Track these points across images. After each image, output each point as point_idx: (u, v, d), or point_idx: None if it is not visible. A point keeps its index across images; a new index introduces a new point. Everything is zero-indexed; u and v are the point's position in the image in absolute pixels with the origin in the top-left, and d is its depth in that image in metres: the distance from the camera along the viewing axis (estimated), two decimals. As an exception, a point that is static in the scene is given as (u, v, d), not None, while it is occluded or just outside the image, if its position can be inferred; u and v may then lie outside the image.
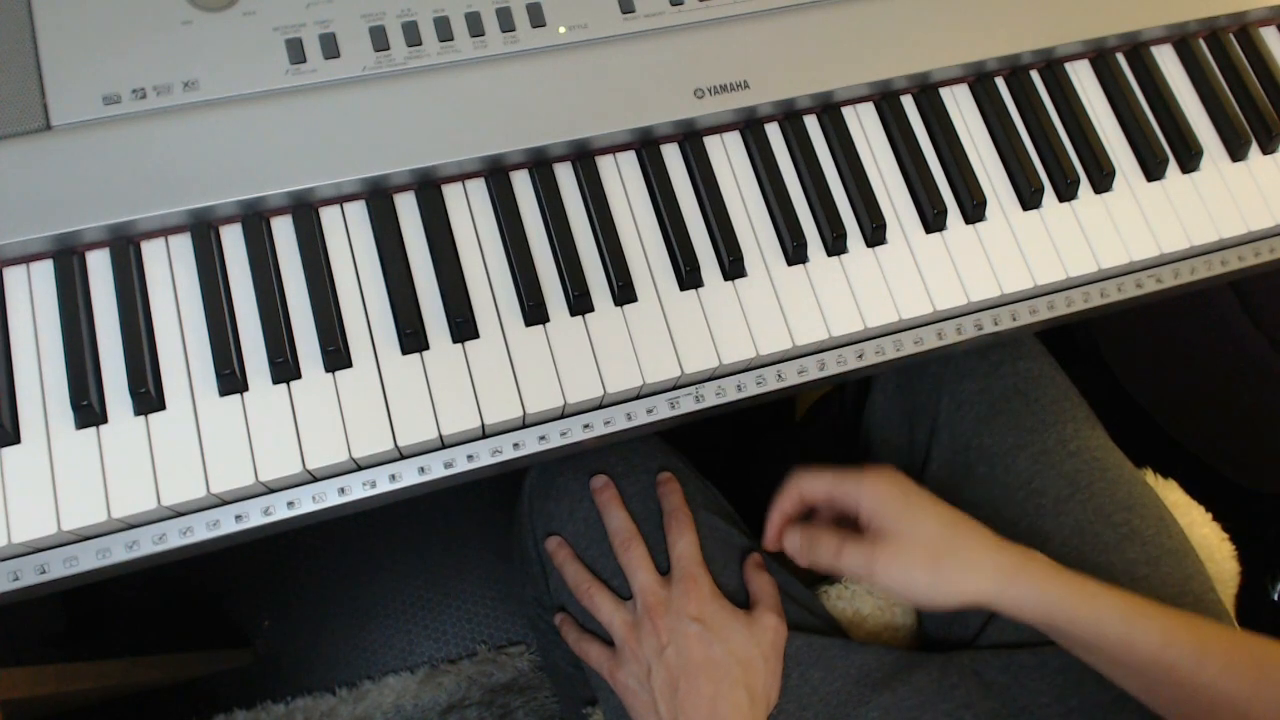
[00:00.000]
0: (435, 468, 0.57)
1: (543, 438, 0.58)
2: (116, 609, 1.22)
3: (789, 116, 0.64)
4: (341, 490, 0.56)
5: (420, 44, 0.59)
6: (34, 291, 0.54)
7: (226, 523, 0.54)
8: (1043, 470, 0.70)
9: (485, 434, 0.57)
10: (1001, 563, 0.56)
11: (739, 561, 0.68)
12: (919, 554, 0.56)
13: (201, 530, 0.54)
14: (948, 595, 0.56)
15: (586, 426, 0.58)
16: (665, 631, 0.62)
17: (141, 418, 0.52)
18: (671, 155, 0.62)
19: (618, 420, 0.59)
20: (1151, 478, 0.76)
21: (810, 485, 0.62)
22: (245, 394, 0.53)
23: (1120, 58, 0.69)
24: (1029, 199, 0.64)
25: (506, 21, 0.60)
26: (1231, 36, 0.71)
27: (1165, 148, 0.67)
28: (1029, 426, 0.72)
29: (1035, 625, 0.56)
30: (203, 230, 0.55)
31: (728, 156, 0.63)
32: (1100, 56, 0.69)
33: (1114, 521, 0.67)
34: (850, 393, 0.90)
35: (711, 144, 0.62)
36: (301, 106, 0.56)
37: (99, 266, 0.55)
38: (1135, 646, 0.53)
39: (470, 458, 0.57)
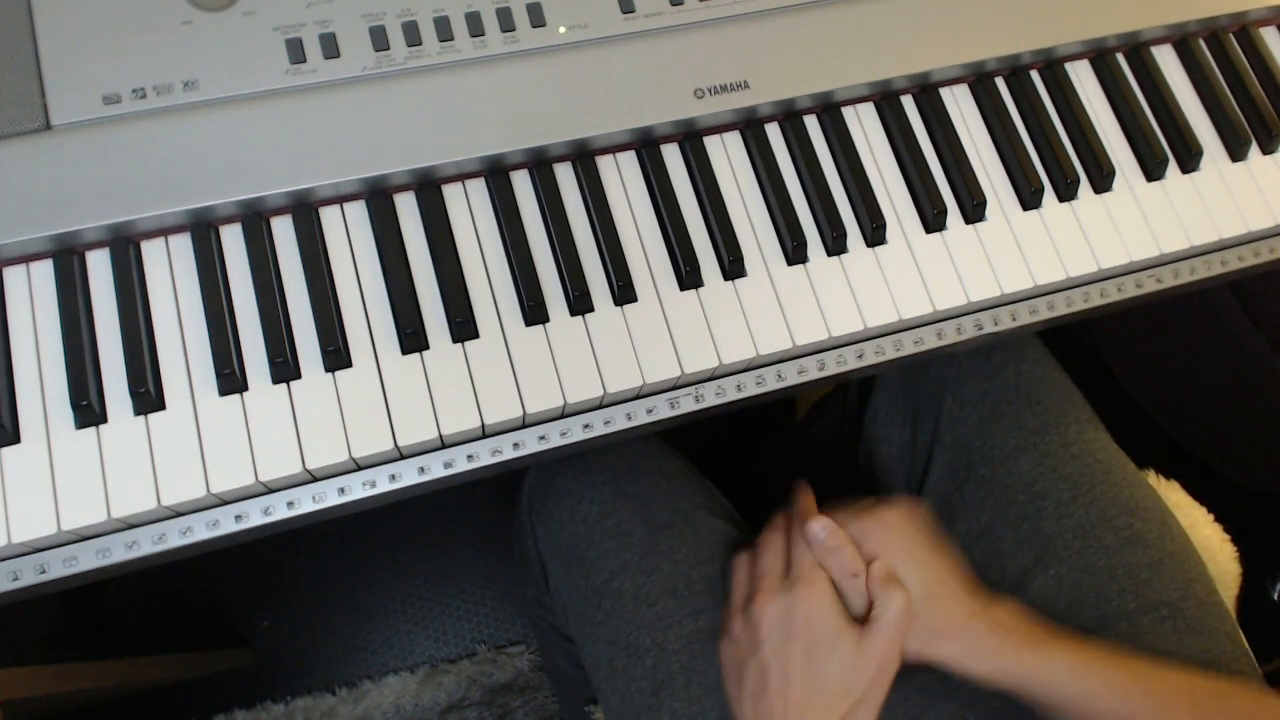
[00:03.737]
0: (435, 468, 0.57)
1: (543, 438, 0.58)
2: (116, 609, 1.22)
3: (789, 116, 0.63)
4: (341, 490, 0.56)
5: (420, 44, 0.59)
6: (34, 291, 0.54)
7: (226, 523, 0.54)
8: (1045, 473, 0.70)
9: (485, 434, 0.57)
10: (970, 632, 0.59)
11: None
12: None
13: (201, 530, 0.54)
14: (920, 655, 0.60)
15: (586, 426, 0.58)
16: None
17: (141, 418, 0.52)
18: (671, 155, 0.62)
19: (618, 420, 0.59)
20: (1154, 479, 0.76)
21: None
22: (245, 394, 0.53)
23: (1120, 58, 0.69)
24: (1029, 199, 0.64)
25: (506, 21, 0.60)
26: (1231, 36, 0.71)
27: (1165, 148, 0.67)
28: (1031, 429, 0.71)
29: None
30: (203, 230, 0.55)
31: (728, 156, 0.63)
32: (1100, 56, 0.69)
33: (1116, 525, 0.67)
34: (852, 393, 0.90)
35: (711, 144, 0.62)
36: (301, 106, 0.56)
37: (99, 266, 0.55)
38: (1089, 707, 0.57)
39: (470, 458, 0.57)
